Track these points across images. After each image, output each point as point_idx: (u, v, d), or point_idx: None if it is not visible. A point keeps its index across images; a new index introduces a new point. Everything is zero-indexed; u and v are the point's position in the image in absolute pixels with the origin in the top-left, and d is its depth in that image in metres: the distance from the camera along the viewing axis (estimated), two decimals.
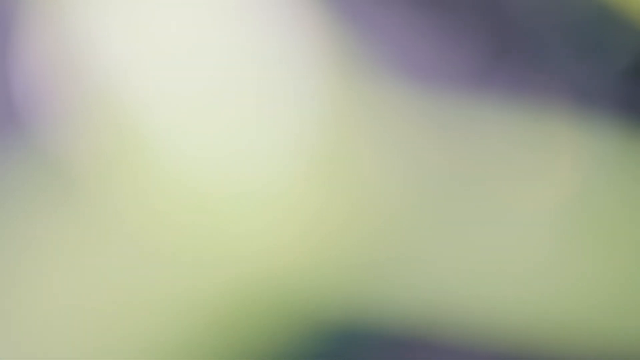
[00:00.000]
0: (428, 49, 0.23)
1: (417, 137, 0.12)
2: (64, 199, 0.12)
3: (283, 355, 0.11)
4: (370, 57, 0.14)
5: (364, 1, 0.23)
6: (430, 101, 0.14)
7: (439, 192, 0.12)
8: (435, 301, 0.11)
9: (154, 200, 0.11)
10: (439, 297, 0.11)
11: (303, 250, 0.10)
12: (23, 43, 0.17)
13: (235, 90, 0.11)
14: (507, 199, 0.13)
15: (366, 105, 0.11)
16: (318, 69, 0.12)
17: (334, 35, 0.12)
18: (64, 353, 0.12)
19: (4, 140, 0.17)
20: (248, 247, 0.10)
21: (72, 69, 0.14)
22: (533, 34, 0.17)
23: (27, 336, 0.13)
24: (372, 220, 0.11)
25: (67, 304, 0.12)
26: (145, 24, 0.13)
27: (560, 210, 0.12)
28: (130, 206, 0.11)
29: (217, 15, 0.13)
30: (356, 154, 0.11)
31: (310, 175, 0.11)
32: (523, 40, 0.18)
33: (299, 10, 0.13)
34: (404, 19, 0.23)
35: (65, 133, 0.15)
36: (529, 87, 0.18)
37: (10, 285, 0.13)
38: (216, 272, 0.10)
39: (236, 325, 0.11)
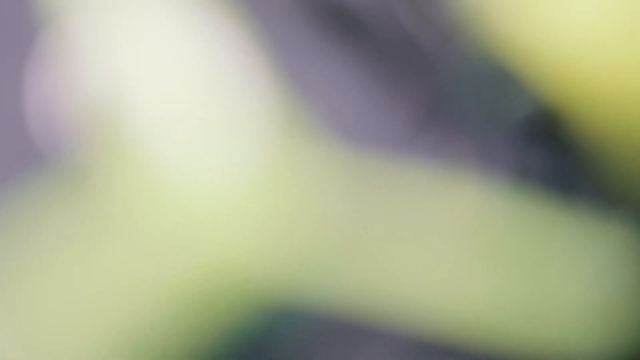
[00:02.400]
0: (359, 110, 0.23)
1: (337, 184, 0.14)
2: (69, 201, 0.13)
3: (240, 333, 0.13)
4: (306, 113, 0.16)
5: (304, 61, 0.24)
6: (355, 155, 0.16)
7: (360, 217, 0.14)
8: (367, 294, 0.14)
9: (138, 199, 0.12)
10: (370, 292, 0.14)
11: (259, 243, 0.12)
12: (38, 69, 0.18)
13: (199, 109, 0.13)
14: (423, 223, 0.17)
15: (299, 153, 0.13)
16: (257, 115, 0.13)
17: (275, 88, 0.14)
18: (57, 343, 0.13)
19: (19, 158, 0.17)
20: (212, 240, 0.13)
21: (80, 90, 0.15)
22: (454, 100, 0.19)
23: (30, 330, 0.13)
24: (314, 222, 0.14)
25: (64, 297, 0.13)
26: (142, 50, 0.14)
27: (464, 237, 0.15)
28: (121, 204, 0.12)
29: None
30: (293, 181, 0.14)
31: (261, 182, 0.13)
32: (446, 105, 0.19)
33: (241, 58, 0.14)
34: (340, 80, 0.24)
35: (74, 146, 0.16)
36: (446, 149, 0.20)
37: (12, 280, 0.13)
38: (185, 261, 0.13)
39: (199, 308, 0.12)
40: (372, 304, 0.13)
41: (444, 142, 0.20)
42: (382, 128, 0.24)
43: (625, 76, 0.15)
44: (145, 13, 0.14)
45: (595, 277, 0.15)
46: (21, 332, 0.13)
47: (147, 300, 0.12)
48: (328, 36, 0.25)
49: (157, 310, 0.12)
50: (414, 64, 0.25)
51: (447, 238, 0.15)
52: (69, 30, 0.15)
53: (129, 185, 0.12)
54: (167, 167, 0.12)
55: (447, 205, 0.16)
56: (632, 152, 0.16)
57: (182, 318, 0.12)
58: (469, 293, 0.14)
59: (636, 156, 0.16)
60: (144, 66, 0.14)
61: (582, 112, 0.16)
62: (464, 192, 0.18)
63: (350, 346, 0.14)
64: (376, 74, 0.25)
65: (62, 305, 0.14)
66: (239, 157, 0.13)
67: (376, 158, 0.19)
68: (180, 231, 0.11)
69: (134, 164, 0.12)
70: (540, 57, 0.16)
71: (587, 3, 0.15)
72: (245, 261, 0.12)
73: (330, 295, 0.12)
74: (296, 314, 0.12)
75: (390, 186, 0.15)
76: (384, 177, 0.15)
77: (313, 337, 0.14)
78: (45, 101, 0.18)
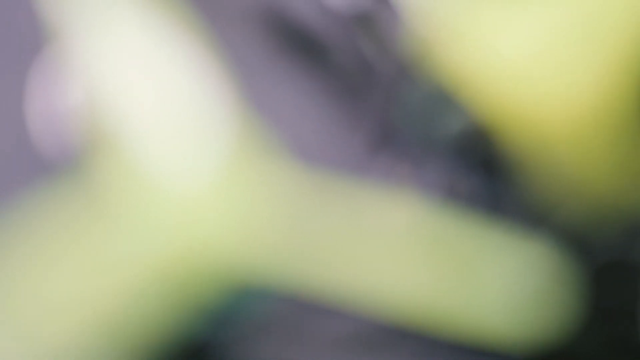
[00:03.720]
0: (315, 132, 0.25)
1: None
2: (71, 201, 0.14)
3: (209, 310, 0.14)
4: (263, 129, 0.17)
5: (264, 80, 0.25)
6: (308, 172, 0.18)
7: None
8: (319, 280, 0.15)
9: (123, 194, 0.13)
10: (322, 278, 0.15)
11: (224, 232, 0.13)
12: (40, 77, 0.19)
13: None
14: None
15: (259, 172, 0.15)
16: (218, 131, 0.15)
17: (234, 103, 0.15)
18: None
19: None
20: (185, 228, 0.14)
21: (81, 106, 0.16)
22: (403, 125, 0.20)
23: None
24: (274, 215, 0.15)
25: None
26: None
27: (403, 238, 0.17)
28: (110, 198, 0.14)
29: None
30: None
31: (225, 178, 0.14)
32: (395, 130, 0.21)
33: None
34: (298, 100, 0.25)
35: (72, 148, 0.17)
36: (392, 171, 0.21)
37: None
38: (162, 246, 0.14)
39: (175, 287, 0.14)
40: (324, 289, 0.15)
41: (392, 165, 0.21)
42: (337, 150, 0.25)
43: (548, 103, 0.17)
44: (124, 27, 0.16)
45: (514, 282, 0.16)
46: (9, 318, 0.14)
47: (128, 281, 0.13)
48: (289, 58, 0.26)
49: (138, 290, 0.13)
50: (370, 90, 0.27)
51: (389, 239, 0.17)
52: (67, 40, 0.16)
53: (116, 181, 0.14)
54: (146, 166, 0.13)
55: (388, 213, 0.18)
56: (554, 174, 0.18)
57: (159, 296, 0.13)
58: (408, 285, 0.16)
59: (556, 179, 0.18)
60: (123, 76, 0.15)
61: (512, 134, 0.17)
62: (402, 206, 0.19)
63: (304, 324, 0.16)
64: (334, 97, 0.26)
65: (46, 295, 0.15)
66: (202, 161, 0.14)
67: (328, 176, 0.21)
68: (157, 221, 0.13)
69: (120, 163, 0.14)
70: (476, 84, 0.18)
71: (515, 39, 0.17)
72: (214, 247, 0.13)
73: (285, 279, 0.14)
74: (256, 293, 0.13)
75: (341, 196, 0.16)
76: (335, 191, 0.17)
77: (270, 315, 0.15)
78: (45, 107, 0.19)
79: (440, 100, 0.19)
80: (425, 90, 0.19)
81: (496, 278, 0.16)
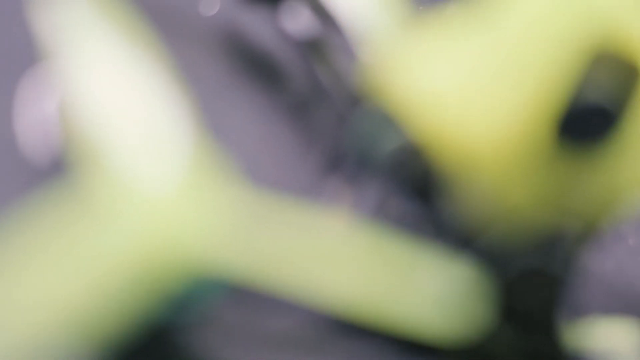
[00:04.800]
0: (271, 155, 0.25)
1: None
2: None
3: (170, 298, 0.15)
4: (219, 150, 0.17)
5: (221, 102, 0.26)
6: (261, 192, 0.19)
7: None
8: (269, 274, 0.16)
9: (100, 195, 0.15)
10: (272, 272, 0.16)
11: (185, 228, 0.15)
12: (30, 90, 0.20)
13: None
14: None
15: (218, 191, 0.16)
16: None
17: (191, 123, 0.16)
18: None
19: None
20: (150, 225, 0.15)
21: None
22: (351, 149, 0.21)
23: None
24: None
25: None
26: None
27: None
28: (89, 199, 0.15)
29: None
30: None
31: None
32: (345, 155, 0.22)
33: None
34: (254, 124, 0.26)
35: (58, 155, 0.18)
36: (339, 194, 0.22)
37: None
38: (130, 241, 0.15)
39: (141, 278, 0.15)
40: (268, 285, 0.16)
41: (338, 188, 0.22)
42: (289, 173, 0.25)
43: (471, 130, 0.18)
44: (98, 47, 0.17)
45: (438, 289, 0.18)
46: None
47: (99, 276, 0.15)
48: (246, 80, 0.26)
49: (108, 284, 0.15)
50: (323, 114, 0.27)
51: (328, 247, 0.18)
52: (53, 56, 0.17)
53: (92, 185, 0.15)
54: (118, 172, 0.15)
55: (328, 225, 0.19)
56: (478, 197, 0.19)
57: (128, 287, 0.15)
58: (350, 284, 0.17)
59: (480, 201, 0.19)
60: (97, 91, 0.17)
61: (441, 158, 0.19)
62: (341, 221, 0.21)
63: (255, 313, 0.18)
64: (289, 121, 0.26)
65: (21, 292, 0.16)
66: (165, 169, 0.16)
67: (277, 196, 0.22)
68: (127, 222, 0.14)
69: (96, 169, 0.15)
70: (411, 108, 0.19)
71: (443, 69, 0.18)
72: (176, 243, 0.14)
73: (234, 274, 0.16)
74: (210, 285, 0.15)
75: (287, 211, 0.17)
76: (282, 207, 0.18)
77: (224, 303, 0.17)
78: (33, 116, 0.20)
79: (380, 121, 0.20)
80: (367, 111, 0.21)
81: (422, 285, 0.18)
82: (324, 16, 0.26)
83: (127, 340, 0.15)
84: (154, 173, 0.15)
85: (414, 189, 0.19)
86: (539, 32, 0.18)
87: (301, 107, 0.27)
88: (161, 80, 0.17)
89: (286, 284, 0.16)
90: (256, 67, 0.27)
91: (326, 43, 0.25)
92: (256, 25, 0.28)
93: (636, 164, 0.20)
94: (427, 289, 0.18)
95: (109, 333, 0.15)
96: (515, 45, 0.18)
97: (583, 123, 0.18)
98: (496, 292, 0.19)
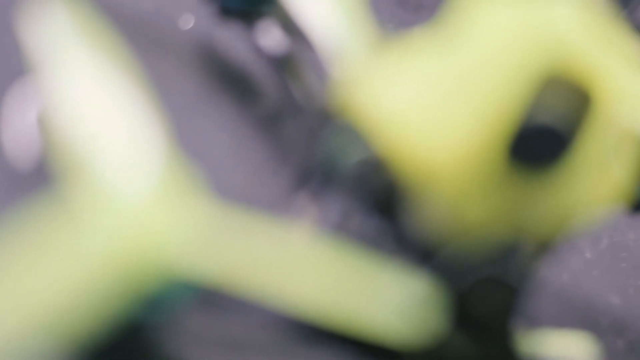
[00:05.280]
0: (242, 171, 0.26)
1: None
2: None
3: (143, 299, 0.16)
4: (189, 166, 0.18)
5: (193, 117, 0.26)
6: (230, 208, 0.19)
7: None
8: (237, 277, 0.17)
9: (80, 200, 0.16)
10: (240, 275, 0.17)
11: (158, 232, 0.16)
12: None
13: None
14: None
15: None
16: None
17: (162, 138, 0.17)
18: None
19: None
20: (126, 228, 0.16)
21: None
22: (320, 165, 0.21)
23: None
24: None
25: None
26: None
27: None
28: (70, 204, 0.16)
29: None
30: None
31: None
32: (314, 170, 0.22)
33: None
34: (225, 140, 0.26)
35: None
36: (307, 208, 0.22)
37: None
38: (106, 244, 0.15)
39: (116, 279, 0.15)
40: (239, 287, 0.17)
41: (306, 203, 0.22)
42: (259, 188, 0.26)
43: (429, 147, 0.18)
44: (77, 61, 0.18)
45: (397, 297, 0.19)
46: None
47: (77, 279, 0.16)
48: (220, 95, 0.27)
49: (86, 286, 0.15)
50: (295, 129, 0.27)
51: (295, 256, 0.19)
52: (38, 69, 0.18)
53: (73, 192, 0.16)
54: (97, 178, 0.16)
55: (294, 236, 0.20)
56: (437, 211, 0.19)
57: (105, 288, 0.15)
58: (311, 291, 0.18)
59: (439, 215, 0.19)
60: (77, 103, 0.17)
61: (402, 174, 0.19)
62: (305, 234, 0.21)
63: (220, 316, 0.18)
64: (261, 136, 0.27)
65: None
66: (139, 178, 0.16)
67: (246, 211, 0.22)
68: (104, 226, 0.15)
69: (76, 175, 0.16)
70: (374, 124, 0.19)
71: (404, 88, 0.19)
72: (150, 247, 0.15)
73: (206, 275, 0.16)
74: (180, 286, 0.16)
75: (255, 223, 0.18)
76: (251, 220, 0.18)
77: (191, 305, 0.17)
78: (18, 125, 0.20)
79: (346, 136, 0.21)
80: (335, 126, 0.21)
81: (380, 294, 0.18)
82: (297, 34, 0.27)
83: (102, 339, 0.16)
84: (128, 182, 0.16)
85: (376, 204, 0.20)
86: (495, 56, 0.18)
87: (273, 121, 0.27)
88: (135, 93, 0.18)
89: (250, 289, 0.17)
90: (230, 80, 0.28)
91: (298, 59, 0.26)
92: (230, 40, 0.28)
93: (588, 185, 0.20)
94: (384, 298, 0.19)
95: (84, 333, 0.15)
96: (473, 68, 0.18)
97: (534, 144, 0.18)
98: (451, 300, 0.20)
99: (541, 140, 0.18)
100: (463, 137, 0.18)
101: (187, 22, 0.28)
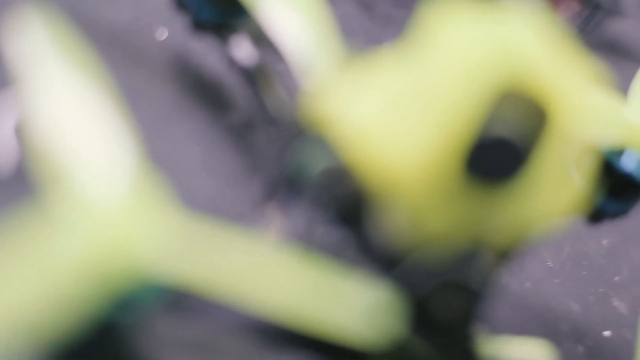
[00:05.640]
0: (213, 183, 0.26)
1: None
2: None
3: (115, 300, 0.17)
4: (160, 178, 0.18)
5: (165, 127, 0.27)
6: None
7: None
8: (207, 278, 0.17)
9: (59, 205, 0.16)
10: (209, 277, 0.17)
11: (132, 237, 0.16)
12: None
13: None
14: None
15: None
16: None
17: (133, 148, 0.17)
18: None
19: None
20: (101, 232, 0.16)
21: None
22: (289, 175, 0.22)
23: None
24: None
25: None
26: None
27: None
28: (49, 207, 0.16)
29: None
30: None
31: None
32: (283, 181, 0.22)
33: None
34: (202, 152, 0.27)
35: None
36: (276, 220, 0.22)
37: None
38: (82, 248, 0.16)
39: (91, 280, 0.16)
40: (209, 289, 0.18)
41: (273, 213, 0.22)
42: (230, 200, 0.26)
43: (390, 158, 0.19)
44: (53, 73, 0.18)
45: (361, 302, 0.19)
46: None
47: (54, 281, 0.16)
48: (194, 106, 0.27)
49: (62, 287, 0.16)
50: (268, 141, 0.28)
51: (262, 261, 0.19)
52: (19, 80, 0.18)
53: (51, 196, 0.16)
54: (73, 185, 0.16)
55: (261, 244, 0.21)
56: (403, 221, 0.20)
57: (81, 290, 0.16)
58: (282, 289, 0.18)
59: (405, 225, 0.20)
60: (53, 112, 0.18)
61: (370, 183, 0.19)
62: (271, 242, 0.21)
63: (187, 319, 0.19)
64: (234, 147, 0.27)
65: None
66: (112, 185, 0.17)
67: (215, 221, 0.23)
68: (80, 230, 0.16)
69: (54, 182, 0.17)
70: (340, 134, 0.19)
71: (367, 100, 0.19)
72: (124, 250, 0.16)
73: (175, 278, 0.17)
74: (150, 288, 0.16)
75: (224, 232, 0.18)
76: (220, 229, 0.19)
77: (159, 307, 0.18)
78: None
79: (314, 146, 0.21)
80: (304, 137, 0.21)
81: (341, 300, 0.19)
82: (268, 47, 0.27)
83: (76, 338, 0.16)
84: (101, 191, 0.16)
85: (341, 212, 0.20)
86: (455, 71, 0.19)
87: (244, 131, 0.28)
88: (107, 105, 0.18)
89: (218, 294, 0.17)
90: (202, 91, 0.28)
91: (270, 72, 0.26)
92: (204, 52, 0.29)
93: (546, 196, 0.21)
94: (345, 304, 0.19)
95: (59, 333, 0.16)
96: (433, 82, 0.19)
97: (491, 157, 0.19)
98: (411, 306, 0.20)
99: (497, 153, 0.19)
100: (422, 149, 0.19)
101: (163, 33, 0.29)
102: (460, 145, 0.19)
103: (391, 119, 0.19)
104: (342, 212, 0.21)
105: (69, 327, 0.16)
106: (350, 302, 0.19)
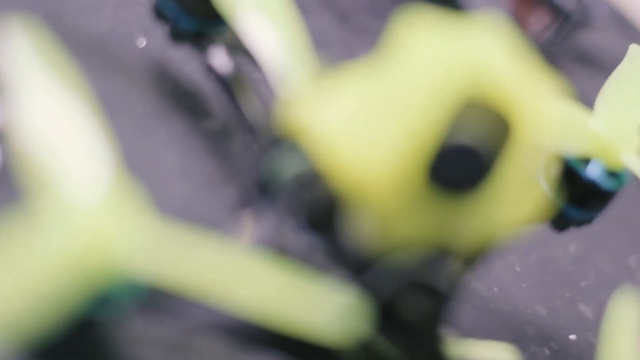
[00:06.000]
0: (189, 189, 0.27)
1: None
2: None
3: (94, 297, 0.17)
4: (136, 185, 0.19)
5: (142, 134, 0.27)
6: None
7: None
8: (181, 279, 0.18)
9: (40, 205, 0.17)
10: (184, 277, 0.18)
11: (108, 236, 0.17)
12: None
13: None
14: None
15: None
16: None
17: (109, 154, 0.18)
18: None
19: None
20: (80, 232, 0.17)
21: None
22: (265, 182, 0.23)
23: None
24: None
25: None
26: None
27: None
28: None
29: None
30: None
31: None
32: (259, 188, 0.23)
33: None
34: (180, 159, 0.27)
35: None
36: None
37: None
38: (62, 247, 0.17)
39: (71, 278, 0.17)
40: (182, 289, 0.18)
41: (246, 218, 0.22)
42: (207, 207, 0.26)
43: (364, 164, 0.19)
44: (35, 82, 0.19)
45: (331, 303, 0.20)
46: None
47: (36, 279, 0.17)
48: (173, 113, 0.27)
49: (44, 286, 0.17)
50: (245, 148, 0.28)
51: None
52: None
53: (32, 201, 0.17)
54: (55, 187, 0.17)
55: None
56: (371, 226, 0.20)
57: (61, 288, 0.17)
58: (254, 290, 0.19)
59: (374, 231, 0.20)
60: (35, 118, 0.19)
61: (340, 189, 0.20)
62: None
63: (165, 317, 0.19)
64: (211, 155, 0.27)
65: None
66: (90, 188, 0.18)
67: (190, 227, 0.23)
68: (59, 230, 0.16)
69: (37, 184, 0.17)
70: (312, 140, 0.20)
71: (335, 108, 0.20)
72: (102, 249, 0.17)
73: (150, 276, 0.18)
74: (126, 286, 0.17)
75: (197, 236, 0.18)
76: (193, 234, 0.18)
77: (135, 305, 0.19)
78: None
79: (288, 152, 0.21)
80: (279, 143, 0.22)
81: (311, 302, 0.19)
82: (245, 56, 0.27)
83: (57, 333, 0.17)
84: (81, 194, 0.17)
85: (311, 217, 0.21)
86: (420, 81, 0.19)
87: (221, 137, 0.28)
88: (85, 111, 0.19)
89: (190, 294, 0.18)
90: (180, 97, 0.28)
91: (246, 80, 0.27)
92: (183, 60, 0.29)
93: (511, 204, 0.21)
94: (312, 306, 0.20)
95: (41, 327, 0.17)
96: (399, 92, 0.19)
97: (453, 165, 0.19)
98: (379, 306, 0.21)
99: (460, 161, 0.19)
100: (389, 157, 0.19)
101: (142, 42, 0.29)
102: (424, 153, 0.19)
103: (360, 127, 0.20)
104: (313, 217, 0.21)
105: (50, 323, 0.17)
106: (317, 304, 0.20)
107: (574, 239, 0.31)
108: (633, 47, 0.30)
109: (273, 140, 0.22)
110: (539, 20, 0.42)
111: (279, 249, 0.22)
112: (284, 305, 0.19)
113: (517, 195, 0.21)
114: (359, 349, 0.21)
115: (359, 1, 0.39)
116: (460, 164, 0.19)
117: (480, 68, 0.19)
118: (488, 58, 0.20)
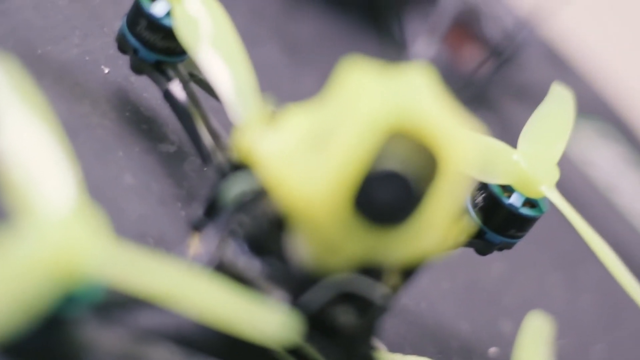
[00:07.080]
0: (147, 209, 0.27)
1: None
2: None
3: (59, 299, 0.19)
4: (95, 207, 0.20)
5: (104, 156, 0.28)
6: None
7: None
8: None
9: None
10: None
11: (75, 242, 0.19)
12: None
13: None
14: None
15: None
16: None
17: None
18: None
19: None
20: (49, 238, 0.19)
21: None
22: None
23: None
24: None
25: None
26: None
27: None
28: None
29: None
30: None
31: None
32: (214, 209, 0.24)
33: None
34: (137, 180, 0.28)
35: None
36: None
37: None
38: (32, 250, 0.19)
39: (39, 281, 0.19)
40: (136, 291, 0.19)
41: (195, 239, 0.24)
42: (159, 226, 0.27)
43: (298, 191, 0.20)
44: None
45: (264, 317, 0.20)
46: None
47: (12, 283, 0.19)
48: (132, 136, 0.28)
49: (19, 288, 0.19)
50: (197, 171, 0.29)
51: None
52: None
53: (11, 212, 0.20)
54: (28, 199, 0.19)
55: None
56: (308, 248, 0.21)
57: (34, 289, 0.19)
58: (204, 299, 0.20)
59: (310, 251, 0.21)
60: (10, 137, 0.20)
61: (282, 211, 0.21)
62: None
63: (118, 325, 0.21)
64: (166, 175, 0.28)
65: None
66: (59, 201, 0.19)
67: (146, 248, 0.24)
68: (33, 238, 0.19)
69: (13, 195, 0.20)
70: (259, 164, 0.21)
71: (276, 137, 0.21)
72: (70, 255, 0.19)
73: (109, 279, 0.19)
74: (91, 287, 0.19)
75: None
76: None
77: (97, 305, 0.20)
78: None
79: (238, 175, 0.23)
80: (233, 168, 0.23)
81: (246, 311, 0.20)
82: (203, 85, 0.29)
83: (28, 327, 0.19)
84: (49, 208, 0.19)
85: (253, 237, 0.22)
86: (352, 115, 0.20)
87: (176, 160, 0.29)
88: (49, 135, 0.21)
89: (140, 295, 0.20)
90: (139, 121, 0.30)
91: (202, 107, 0.28)
92: (143, 86, 0.30)
93: (438, 229, 0.22)
94: (246, 316, 0.20)
95: (14, 323, 0.19)
96: (331, 124, 0.21)
97: (376, 193, 0.20)
98: (310, 316, 0.22)
99: (384, 188, 0.20)
100: (320, 184, 0.21)
101: (105, 69, 0.30)
102: (351, 182, 0.20)
103: (299, 155, 0.21)
104: (253, 237, 0.22)
105: (24, 318, 0.19)
106: (249, 314, 0.21)
107: (498, 260, 0.33)
108: (555, 86, 0.31)
109: (227, 164, 0.24)
110: (472, 55, 0.44)
111: (218, 267, 0.23)
112: (215, 314, 0.20)
113: (443, 222, 0.22)
114: (287, 354, 0.23)
115: (306, 33, 0.41)
116: (384, 191, 0.20)
117: (407, 104, 0.21)
118: (415, 97, 0.21)
